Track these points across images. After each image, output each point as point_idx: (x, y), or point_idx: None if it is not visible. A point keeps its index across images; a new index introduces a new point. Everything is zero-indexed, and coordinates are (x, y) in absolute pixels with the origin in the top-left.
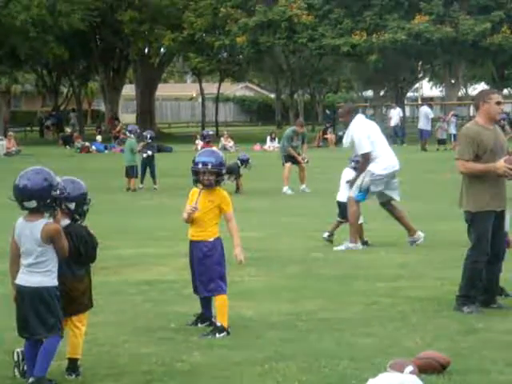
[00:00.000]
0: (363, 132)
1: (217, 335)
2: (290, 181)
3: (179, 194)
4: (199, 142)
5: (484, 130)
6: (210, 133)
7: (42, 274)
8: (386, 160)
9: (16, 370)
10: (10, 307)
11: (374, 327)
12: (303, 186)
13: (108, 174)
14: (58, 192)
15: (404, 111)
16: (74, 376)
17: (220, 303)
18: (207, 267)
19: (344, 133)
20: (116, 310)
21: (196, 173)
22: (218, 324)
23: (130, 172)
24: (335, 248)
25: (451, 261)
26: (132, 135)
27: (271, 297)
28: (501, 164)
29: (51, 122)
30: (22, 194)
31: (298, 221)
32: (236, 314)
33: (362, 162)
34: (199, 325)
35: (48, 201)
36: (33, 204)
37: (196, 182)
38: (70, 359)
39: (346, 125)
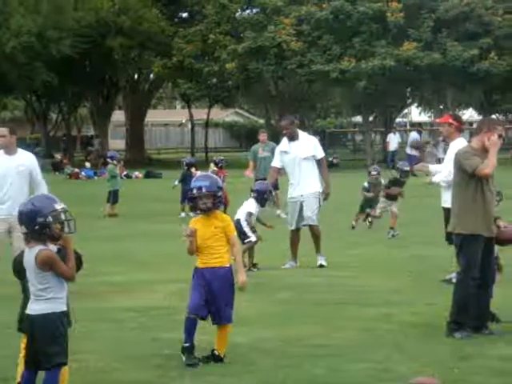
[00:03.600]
0: (316, 139)
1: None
2: (281, 204)
3: (169, 219)
4: (195, 172)
5: (478, 155)
6: (221, 158)
7: (46, 301)
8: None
9: None
10: (3, 336)
11: (367, 353)
12: (278, 211)
13: (97, 200)
14: (49, 219)
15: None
16: None
17: (227, 332)
18: (225, 294)
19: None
20: (107, 337)
21: (193, 199)
22: (221, 355)
23: (110, 197)
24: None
25: (441, 286)
26: (114, 161)
27: (263, 323)
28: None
29: (63, 147)
30: (18, 220)
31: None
32: (228, 340)
33: (325, 166)
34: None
35: (36, 227)
36: (23, 229)
37: (194, 208)
38: None
39: (291, 136)
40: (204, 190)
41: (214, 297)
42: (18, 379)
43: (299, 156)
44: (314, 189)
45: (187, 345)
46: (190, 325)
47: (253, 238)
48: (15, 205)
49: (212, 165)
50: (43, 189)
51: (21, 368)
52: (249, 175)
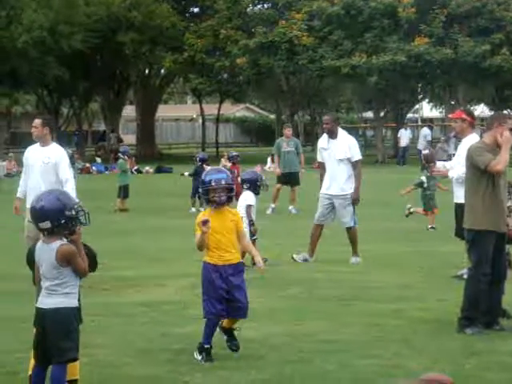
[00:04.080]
0: (354, 139)
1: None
2: (277, 200)
3: (180, 214)
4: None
5: (490, 150)
6: (235, 154)
7: (60, 296)
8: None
9: None
10: (15, 330)
11: (376, 349)
12: (291, 207)
13: (108, 194)
14: (73, 212)
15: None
16: None
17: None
18: (245, 289)
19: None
20: (118, 332)
21: (207, 192)
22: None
23: (121, 192)
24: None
25: (452, 282)
26: (125, 156)
27: (272, 318)
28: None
29: (75, 141)
30: (36, 216)
31: (299, 242)
32: (237, 335)
33: (359, 170)
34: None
35: (62, 221)
36: (47, 225)
37: (208, 201)
38: (68, 381)
39: (330, 132)
40: (223, 182)
41: (236, 292)
42: (30, 372)
43: (335, 156)
44: (346, 191)
45: (208, 346)
46: (213, 327)
47: None
48: None
49: (223, 160)
50: (68, 187)
51: (33, 361)
52: (275, 171)
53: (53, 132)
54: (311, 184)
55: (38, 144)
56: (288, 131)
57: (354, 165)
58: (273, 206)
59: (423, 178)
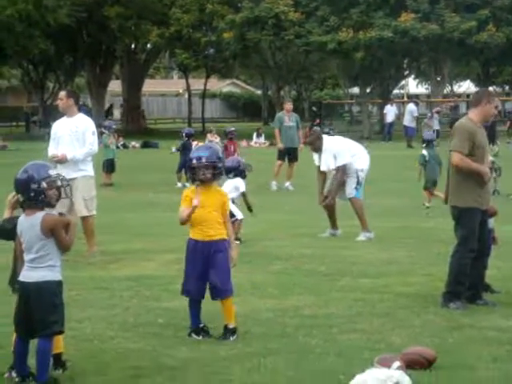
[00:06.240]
0: (339, 145)
1: (231, 338)
2: (278, 177)
3: (165, 189)
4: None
5: (477, 128)
6: (232, 129)
7: (44, 269)
8: (364, 156)
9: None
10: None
11: (361, 323)
12: (287, 184)
13: (95, 169)
14: (44, 185)
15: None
16: (60, 371)
17: (231, 304)
18: (226, 266)
19: (320, 158)
20: (103, 306)
21: (192, 169)
22: (232, 326)
23: (105, 167)
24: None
25: (437, 257)
26: (106, 131)
27: (258, 293)
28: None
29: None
30: (15, 189)
31: (286, 217)
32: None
33: (339, 174)
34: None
35: (31, 194)
36: (23, 197)
37: (193, 178)
38: (53, 355)
39: (317, 149)
40: (204, 160)
41: (213, 272)
42: (13, 348)
43: (328, 168)
44: (353, 168)
45: (202, 325)
46: (194, 308)
47: (239, 216)
48: (68, 166)
49: (209, 135)
50: (82, 151)
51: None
52: (280, 147)
53: (77, 103)
54: (305, 160)
55: (65, 116)
56: (289, 105)
57: (336, 169)
58: (274, 182)
59: (424, 152)
